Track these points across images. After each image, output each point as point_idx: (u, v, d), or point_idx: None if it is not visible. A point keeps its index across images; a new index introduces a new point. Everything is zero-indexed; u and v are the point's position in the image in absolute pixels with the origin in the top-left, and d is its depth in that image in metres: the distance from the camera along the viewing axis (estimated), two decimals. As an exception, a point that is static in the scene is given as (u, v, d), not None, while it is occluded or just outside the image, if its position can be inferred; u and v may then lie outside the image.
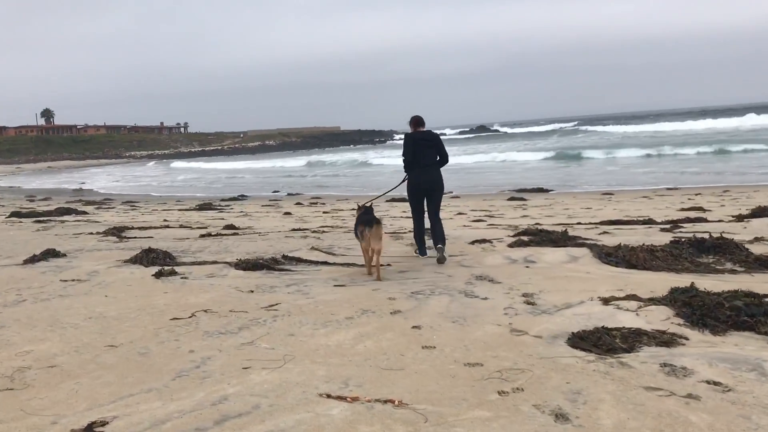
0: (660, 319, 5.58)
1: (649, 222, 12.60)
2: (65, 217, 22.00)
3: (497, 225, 13.52)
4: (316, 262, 8.98)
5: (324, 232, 12.61)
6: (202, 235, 12.13)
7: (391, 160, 55.45)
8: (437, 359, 4.74)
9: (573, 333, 5.17)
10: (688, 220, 12.81)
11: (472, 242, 10.18)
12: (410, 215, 9.76)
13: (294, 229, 13.10)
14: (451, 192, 32.54)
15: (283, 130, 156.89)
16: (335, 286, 7.51)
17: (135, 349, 5.31)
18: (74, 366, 4.92)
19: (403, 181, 9.54)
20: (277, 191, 39.35)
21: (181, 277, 8.28)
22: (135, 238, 12.16)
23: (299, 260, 9.15)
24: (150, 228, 14.21)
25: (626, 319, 5.58)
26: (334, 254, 9.65)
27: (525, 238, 10.19)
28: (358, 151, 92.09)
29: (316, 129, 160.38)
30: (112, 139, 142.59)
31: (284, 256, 9.32)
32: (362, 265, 8.52)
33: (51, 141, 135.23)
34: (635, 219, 13.04)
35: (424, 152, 9.27)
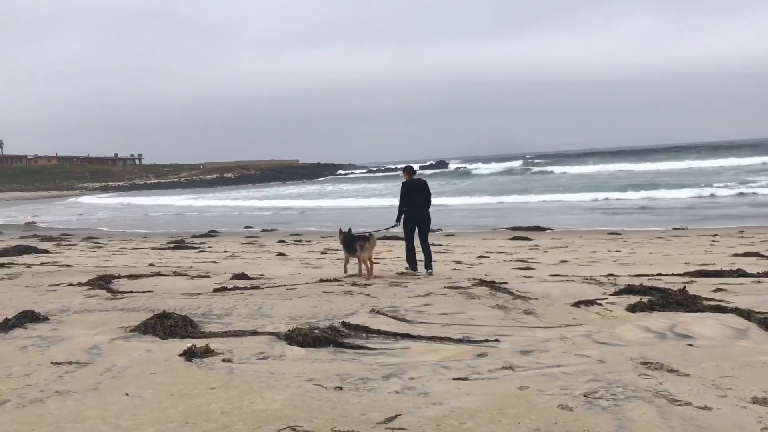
0: None
1: (745, 274, 10.68)
2: (25, 257, 19.45)
3: (559, 274, 11.46)
4: (394, 335, 6.77)
5: (357, 284, 10.41)
6: (216, 290, 9.79)
7: (359, 200, 53.70)
8: None
9: None
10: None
11: (575, 304, 8.08)
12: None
13: (323, 280, 10.84)
14: (440, 229, 30.76)
15: (241, 162, 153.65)
16: (456, 379, 5.32)
17: None
18: None
19: (393, 226, 12.87)
20: (250, 227, 37.05)
21: (223, 360, 6.01)
22: (131, 293, 9.76)
23: (367, 330, 6.94)
24: (141, 276, 11.81)
25: None
26: (407, 320, 7.44)
27: (638, 298, 8.15)
28: (318, 184, 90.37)
29: (275, 162, 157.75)
30: (64, 170, 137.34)
31: (345, 324, 7.11)
32: (461, 340, 6.39)
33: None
34: (725, 270, 11.10)
35: (416, 196, 12.55)
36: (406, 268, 12.63)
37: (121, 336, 7.03)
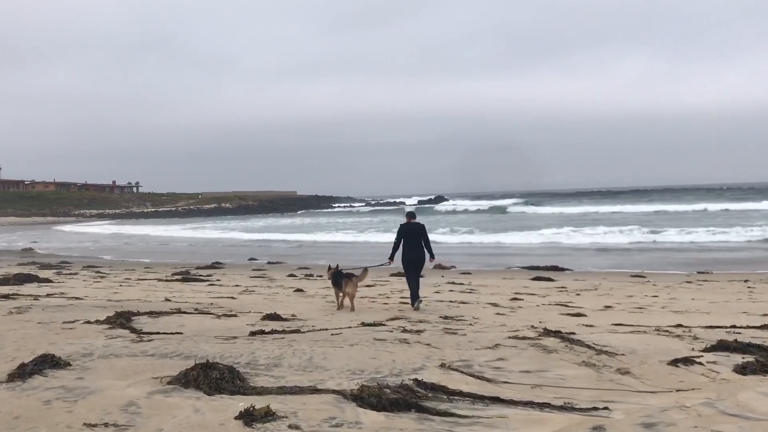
0: None
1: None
2: (27, 286, 18.44)
3: (623, 324, 10.49)
4: (481, 398, 5.79)
5: (407, 330, 9.45)
6: (253, 333, 8.80)
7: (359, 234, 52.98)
8: None
9: None
10: None
11: (672, 363, 7.11)
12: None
13: (366, 324, 9.87)
14: (454, 266, 29.84)
15: (239, 192, 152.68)
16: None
17: None
18: None
19: (386, 263, 14.04)
20: (254, 259, 36.12)
21: (289, 426, 5.04)
22: (157, 334, 8.76)
23: (447, 391, 5.97)
24: (162, 314, 10.82)
25: None
26: (488, 379, 6.47)
27: (740, 357, 7.21)
28: (315, 216, 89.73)
29: (273, 193, 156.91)
30: (61, 196, 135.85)
31: (418, 383, 6.14)
32: (563, 408, 5.43)
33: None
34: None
35: (412, 238, 13.63)
36: (413, 308, 13.09)
37: (159, 389, 6.05)
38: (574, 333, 8.91)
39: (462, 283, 21.33)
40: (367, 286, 19.56)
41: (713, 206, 70.55)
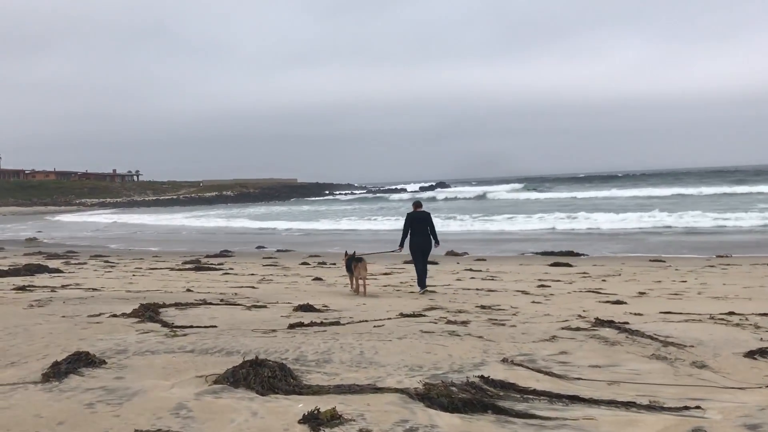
0: None
1: None
2: (38, 277, 18.06)
3: (672, 312, 10.05)
4: (558, 396, 5.36)
5: (452, 321, 9.01)
6: (292, 325, 8.36)
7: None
8: None
9: None
10: None
11: (748, 355, 6.67)
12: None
13: (405, 315, 9.44)
14: (466, 253, 29.41)
15: (240, 180, 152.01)
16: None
17: None
18: None
19: (397, 250, 14.81)
20: (263, 246, 35.70)
21: (361, 431, 4.61)
22: (191, 327, 8.32)
23: (518, 389, 5.54)
24: (188, 305, 10.39)
25: None
26: (558, 376, 6.02)
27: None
28: (316, 204, 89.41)
29: (273, 180, 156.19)
30: (61, 185, 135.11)
31: (485, 380, 5.71)
32: (651, 407, 5.01)
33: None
34: None
35: (419, 226, 14.10)
36: (419, 292, 13.73)
37: (206, 390, 5.62)
38: (627, 323, 8.47)
39: (480, 270, 20.91)
40: (384, 274, 19.15)
41: (714, 189, 70.07)
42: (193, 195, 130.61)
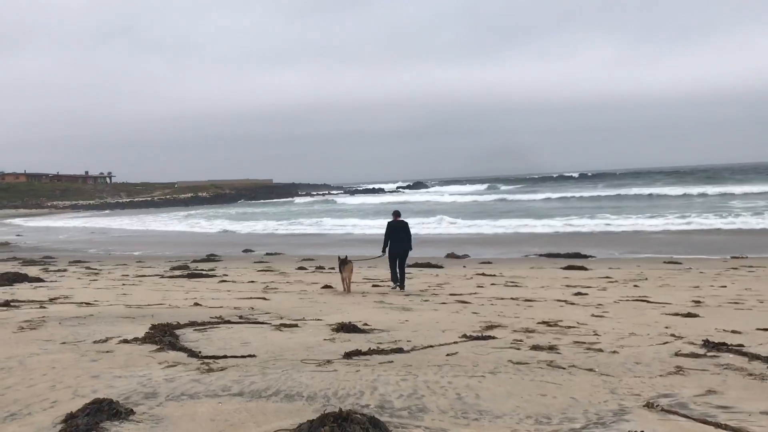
0: None
1: None
2: (18, 287, 16.40)
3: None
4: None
5: (537, 346, 7.62)
6: (348, 354, 6.87)
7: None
8: None
9: None
10: None
11: None
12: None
13: (470, 336, 8.00)
14: (467, 255, 28.09)
15: (215, 181, 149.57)
16: None
17: None
18: None
19: (381, 255, 16.14)
20: (250, 250, 34.18)
21: None
22: (224, 358, 6.77)
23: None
24: (207, 326, 8.86)
25: None
26: (735, 429, 4.65)
27: None
28: (295, 206, 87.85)
29: (249, 181, 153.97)
30: (32, 187, 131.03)
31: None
32: None
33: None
34: None
35: (397, 234, 15.81)
36: (391, 287, 15.82)
37: (281, 456, 4.17)
38: (742, 345, 7.16)
39: (494, 275, 19.61)
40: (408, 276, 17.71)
41: (689, 190, 69.54)
42: (167, 196, 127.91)
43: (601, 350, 7.09)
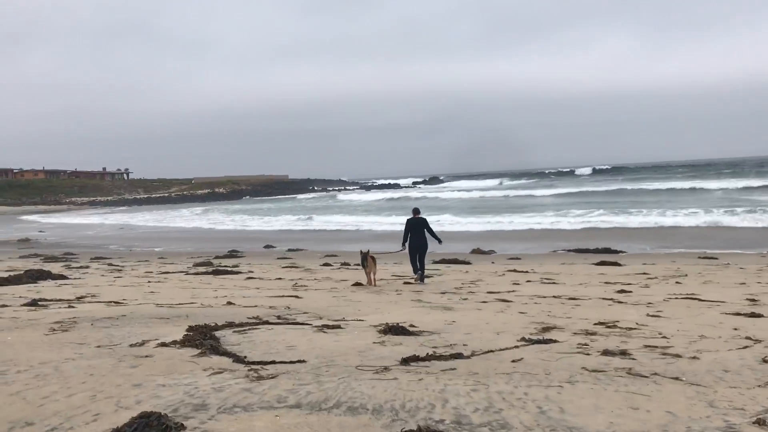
0: None
1: None
2: (42, 285, 16.11)
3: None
4: None
5: (607, 352, 7.10)
6: (405, 360, 6.38)
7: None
8: None
9: None
10: None
11: None
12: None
13: (531, 340, 7.48)
14: (493, 251, 27.55)
15: (232, 177, 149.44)
16: None
17: None
18: None
19: (401, 250, 16.99)
20: (272, 246, 33.82)
21: None
22: (273, 363, 6.29)
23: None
24: (245, 327, 8.40)
25: None
26: None
27: None
28: (311, 201, 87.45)
29: (265, 177, 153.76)
30: (51, 184, 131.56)
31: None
32: None
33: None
34: None
35: (416, 230, 16.77)
36: (414, 279, 16.63)
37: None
38: None
39: (526, 271, 19.06)
40: (427, 276, 17.24)
41: (705, 184, 68.35)
42: (185, 192, 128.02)
43: (678, 356, 6.55)
